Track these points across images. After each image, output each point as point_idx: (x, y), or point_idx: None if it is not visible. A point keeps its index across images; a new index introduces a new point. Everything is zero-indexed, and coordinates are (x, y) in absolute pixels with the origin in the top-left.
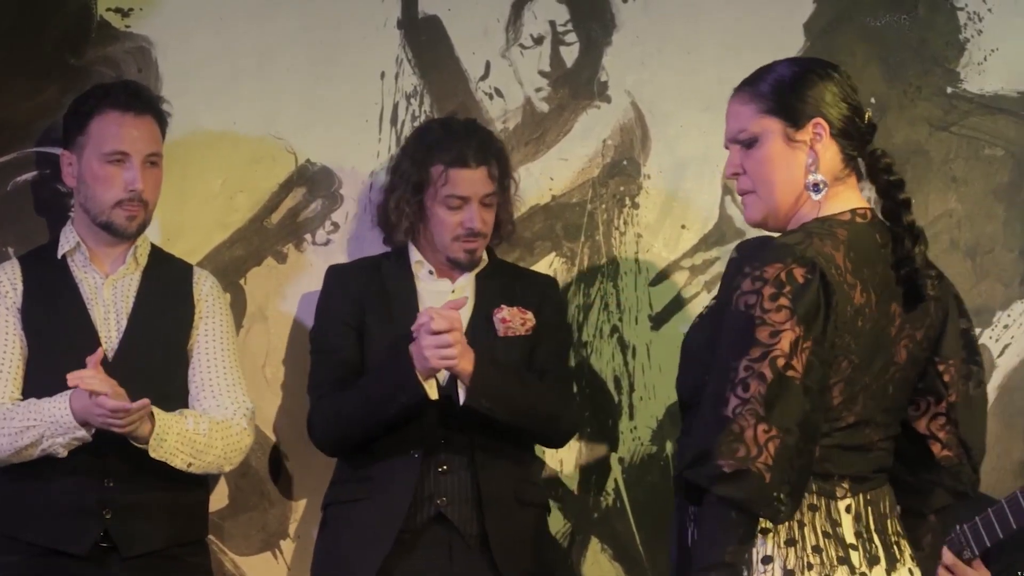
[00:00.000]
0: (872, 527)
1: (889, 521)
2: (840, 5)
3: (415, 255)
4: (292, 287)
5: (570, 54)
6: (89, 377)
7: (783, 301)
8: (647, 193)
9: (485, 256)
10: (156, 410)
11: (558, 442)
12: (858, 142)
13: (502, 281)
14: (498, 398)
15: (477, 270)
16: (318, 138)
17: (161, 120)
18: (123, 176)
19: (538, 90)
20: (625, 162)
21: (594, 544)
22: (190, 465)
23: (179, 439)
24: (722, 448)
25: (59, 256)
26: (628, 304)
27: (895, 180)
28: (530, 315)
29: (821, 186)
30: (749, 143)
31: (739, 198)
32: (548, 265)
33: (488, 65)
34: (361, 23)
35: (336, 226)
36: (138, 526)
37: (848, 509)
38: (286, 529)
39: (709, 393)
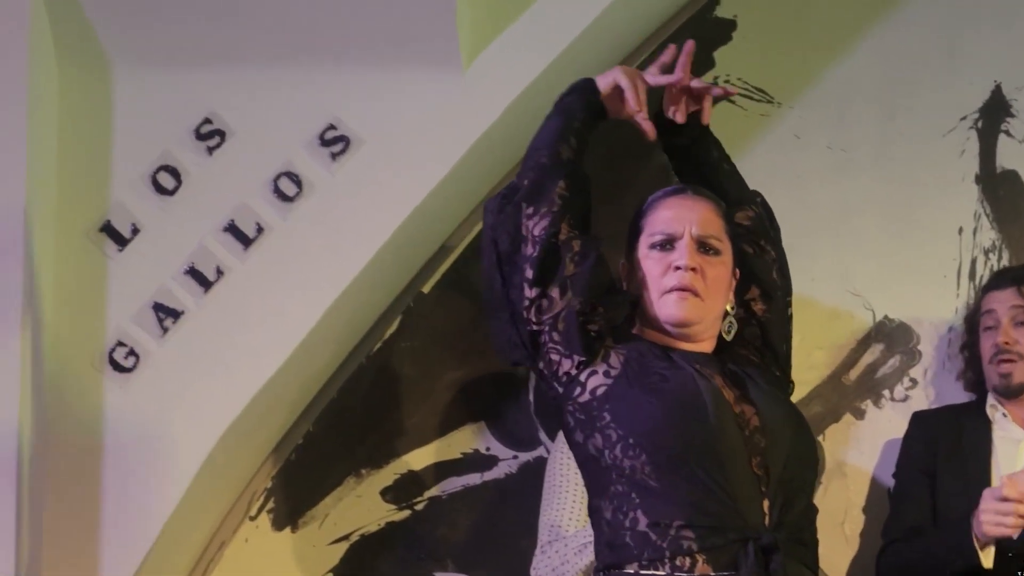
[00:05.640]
0: None
1: None
2: None
3: (990, 399)
4: (870, 443)
5: None
6: None
7: None
8: None
9: None
10: None
11: None
12: None
13: None
14: None
15: None
16: (895, 294)
17: None
18: None
19: None
20: None
21: None
22: None
23: None
24: None
25: None
26: None
27: None
28: None
29: None
30: None
31: None
32: None
33: None
34: (938, 179)
35: (914, 382)
36: None
37: None
38: None
39: None
